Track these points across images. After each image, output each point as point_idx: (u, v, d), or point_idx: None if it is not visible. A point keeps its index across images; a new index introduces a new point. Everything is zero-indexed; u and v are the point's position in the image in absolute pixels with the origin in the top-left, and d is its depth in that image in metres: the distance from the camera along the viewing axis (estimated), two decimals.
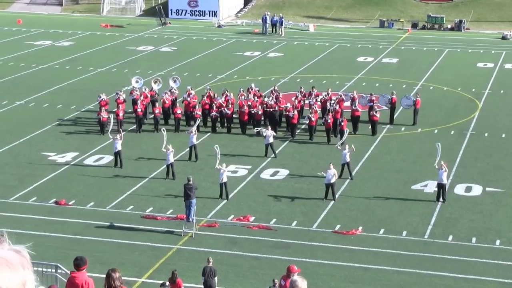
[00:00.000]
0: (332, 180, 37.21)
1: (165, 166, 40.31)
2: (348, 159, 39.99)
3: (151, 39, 77.94)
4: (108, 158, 42.61)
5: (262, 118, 47.28)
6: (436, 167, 37.81)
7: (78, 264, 15.97)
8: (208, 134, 46.95)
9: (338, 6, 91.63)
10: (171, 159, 39.89)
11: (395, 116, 49.69)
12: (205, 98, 48.79)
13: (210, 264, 28.39)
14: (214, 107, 47.80)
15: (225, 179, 37.42)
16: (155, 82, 52.39)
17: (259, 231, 34.09)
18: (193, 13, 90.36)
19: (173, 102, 49.51)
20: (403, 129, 48.61)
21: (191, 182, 34.37)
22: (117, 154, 41.56)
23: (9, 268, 2.90)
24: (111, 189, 38.78)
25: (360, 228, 34.43)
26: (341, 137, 43.86)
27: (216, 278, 28.12)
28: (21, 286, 2.89)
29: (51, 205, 36.69)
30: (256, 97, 49.31)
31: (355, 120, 47.50)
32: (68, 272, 24.28)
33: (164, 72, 61.45)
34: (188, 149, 42.88)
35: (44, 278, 23.12)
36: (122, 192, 38.32)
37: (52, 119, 49.84)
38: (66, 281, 24.07)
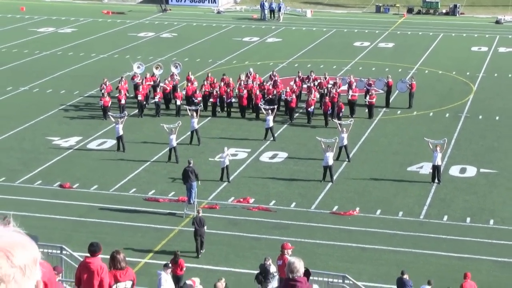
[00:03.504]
0: (330, 162, 37.32)
1: (167, 149, 40.39)
2: (345, 142, 40.09)
3: (152, 26, 77.84)
4: (111, 142, 42.68)
5: (262, 102, 47.31)
6: (430, 146, 37.93)
7: (94, 250, 16.00)
8: (209, 118, 47.00)
9: None
10: (174, 143, 39.97)
11: (391, 100, 49.71)
12: (205, 83, 48.86)
13: (200, 214, 30.58)
14: (215, 92, 47.84)
15: (227, 163, 37.50)
16: (156, 68, 52.45)
17: (259, 213, 34.21)
18: None
19: (174, 87, 49.55)
20: (399, 112, 48.66)
21: (191, 165, 34.46)
22: (119, 139, 41.63)
23: (23, 247, 2.98)
24: (114, 172, 38.87)
25: (357, 209, 34.55)
26: (339, 119, 44.15)
27: (205, 227, 30.16)
28: (33, 262, 2.98)
29: (56, 188, 36.79)
30: (255, 82, 49.34)
31: (352, 103, 47.55)
32: (74, 254, 24.42)
33: (165, 57, 61.43)
34: (189, 133, 42.96)
35: (49, 259, 23.20)
36: (125, 175, 38.42)
37: (55, 104, 49.86)
38: (71, 262, 24.21)
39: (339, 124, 41.79)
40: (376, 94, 48.33)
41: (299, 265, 11.81)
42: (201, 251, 30.38)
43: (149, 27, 76.79)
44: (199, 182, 34.52)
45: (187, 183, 34.08)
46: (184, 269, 26.81)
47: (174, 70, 51.91)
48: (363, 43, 69.05)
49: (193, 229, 30.33)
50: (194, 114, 43.04)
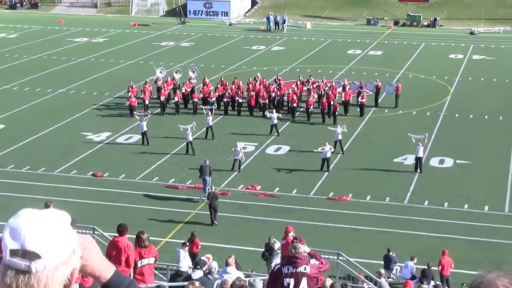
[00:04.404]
0: (328, 155, 37.26)
1: (185, 143, 40.37)
2: (340, 137, 40.03)
3: (172, 36, 77.79)
4: (137, 137, 42.66)
5: (267, 101, 47.36)
6: (413, 140, 37.96)
7: (122, 230, 15.99)
8: (221, 116, 46.97)
9: (331, 6, 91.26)
10: (190, 138, 39.94)
11: (379, 100, 49.63)
12: (219, 86, 48.87)
13: (213, 190, 31.63)
14: (227, 94, 47.86)
15: (240, 156, 37.50)
16: (176, 72, 52.45)
17: (265, 198, 34.20)
18: (208, 13, 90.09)
19: (192, 89, 49.55)
20: (386, 111, 48.56)
21: (207, 163, 34.40)
22: (144, 134, 41.63)
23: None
24: (139, 163, 38.87)
25: (350, 195, 34.51)
26: (334, 119, 44.20)
27: (218, 200, 31.16)
28: (71, 252, 2.92)
29: (89, 177, 36.83)
30: (262, 85, 49.27)
31: (345, 104, 47.49)
32: (105, 234, 24.43)
33: (184, 63, 61.39)
34: (204, 129, 42.94)
35: None
36: (149, 165, 38.43)
37: (89, 104, 49.89)
38: (102, 241, 24.21)
39: (331, 129, 41.05)
40: (367, 95, 48.26)
41: (301, 245, 11.96)
42: (215, 222, 31.07)
43: (170, 37, 76.75)
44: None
45: (202, 176, 34.10)
46: (200, 247, 26.80)
47: (192, 74, 51.91)
48: (355, 51, 68.89)
49: (208, 203, 31.28)
50: (209, 112, 43.06)
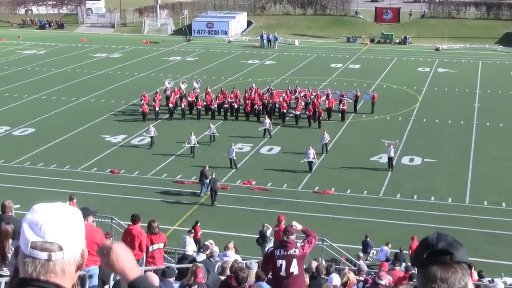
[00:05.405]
0: (312, 157, 36.96)
1: (188, 146, 40.19)
2: (326, 141, 40.07)
3: (179, 52, 77.67)
4: (148, 140, 42.56)
5: (261, 107, 47.34)
6: (386, 144, 38.00)
7: (135, 219, 15.92)
8: (221, 121, 46.91)
9: (316, 26, 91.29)
10: (193, 142, 39.67)
11: (358, 107, 49.61)
12: (219, 94, 48.81)
13: (214, 176, 32.22)
14: (226, 102, 47.79)
15: (233, 154, 37.43)
16: (182, 83, 52.38)
17: (259, 192, 34.16)
18: (210, 32, 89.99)
19: (196, 98, 49.46)
20: (364, 116, 48.54)
21: (207, 169, 34.08)
22: (151, 137, 41.52)
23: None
24: (151, 161, 38.79)
25: (333, 189, 34.49)
26: (319, 123, 44.17)
27: (218, 184, 32.24)
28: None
29: (107, 174, 36.75)
30: (256, 94, 49.24)
31: (329, 110, 47.46)
32: (121, 222, 24.37)
33: (189, 75, 61.29)
34: (208, 133, 42.82)
35: (102, 226, 23.12)
36: (159, 163, 38.35)
37: (107, 110, 49.79)
38: (119, 229, 24.15)
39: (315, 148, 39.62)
40: (347, 103, 48.26)
41: (292, 236, 11.99)
42: (215, 203, 31.74)
43: (177, 53, 76.64)
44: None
45: (201, 180, 33.73)
46: (200, 233, 26.68)
47: (196, 85, 51.87)
48: (337, 65, 68.89)
49: (210, 187, 32.16)
50: (210, 123, 43.21)
